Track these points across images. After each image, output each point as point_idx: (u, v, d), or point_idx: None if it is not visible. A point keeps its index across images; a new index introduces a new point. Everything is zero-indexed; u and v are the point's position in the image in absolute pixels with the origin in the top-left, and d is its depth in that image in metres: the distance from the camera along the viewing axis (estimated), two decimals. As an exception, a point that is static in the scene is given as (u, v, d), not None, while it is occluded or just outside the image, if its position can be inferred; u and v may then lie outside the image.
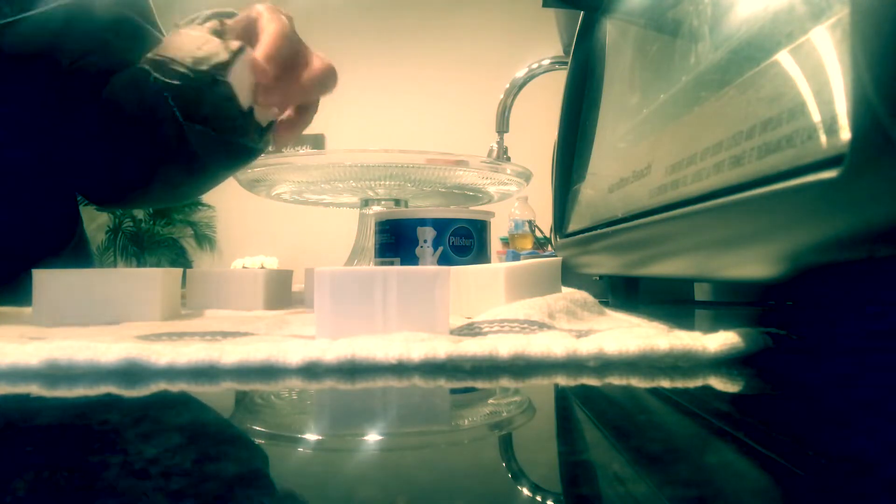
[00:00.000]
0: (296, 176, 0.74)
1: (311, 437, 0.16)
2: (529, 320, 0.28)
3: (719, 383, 0.20)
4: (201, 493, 0.11)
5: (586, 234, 0.44)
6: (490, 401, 0.19)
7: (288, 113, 0.54)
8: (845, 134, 0.17)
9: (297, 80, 0.51)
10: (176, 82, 0.48)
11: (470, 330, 0.27)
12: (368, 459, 0.14)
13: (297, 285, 0.51)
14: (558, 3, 0.58)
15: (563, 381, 0.21)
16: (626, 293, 0.50)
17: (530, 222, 1.66)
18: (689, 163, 0.27)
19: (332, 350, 0.22)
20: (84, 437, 0.15)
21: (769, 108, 0.21)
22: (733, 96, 0.24)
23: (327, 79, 0.52)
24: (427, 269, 0.26)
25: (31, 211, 0.55)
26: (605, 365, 0.22)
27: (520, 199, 1.81)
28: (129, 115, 0.53)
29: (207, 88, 0.47)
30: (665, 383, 0.20)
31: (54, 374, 0.21)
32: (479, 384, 0.20)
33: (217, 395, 0.19)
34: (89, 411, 0.18)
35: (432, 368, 0.22)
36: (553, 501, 0.11)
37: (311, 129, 0.58)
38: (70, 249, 0.60)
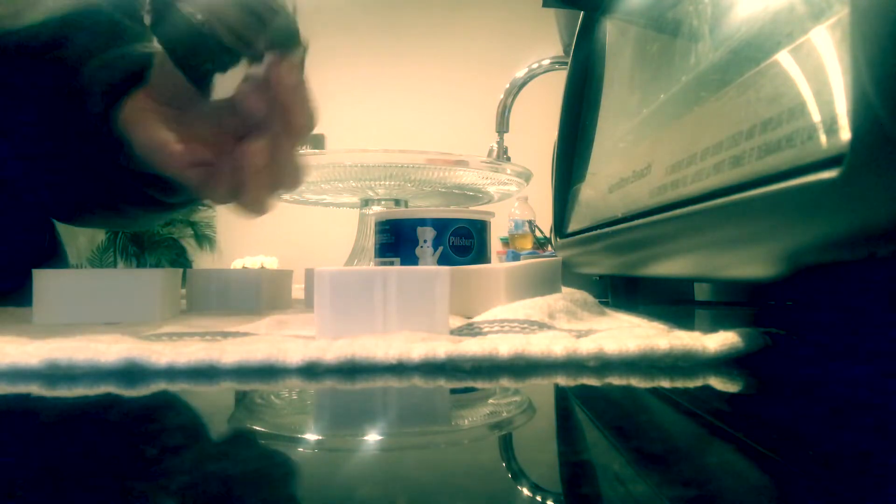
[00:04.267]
0: (296, 176, 0.73)
1: (311, 437, 0.16)
2: (529, 320, 0.28)
3: (719, 383, 0.20)
4: (201, 493, 0.11)
5: (586, 234, 0.44)
6: (490, 401, 0.19)
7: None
8: (845, 134, 0.17)
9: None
10: None
11: (470, 330, 0.27)
12: (368, 459, 0.14)
13: (297, 285, 0.51)
14: (558, 3, 0.58)
15: (563, 381, 0.21)
16: (626, 293, 0.50)
17: (530, 222, 1.66)
18: (689, 163, 0.27)
19: (332, 350, 0.22)
20: (84, 436, 0.15)
21: (769, 108, 0.21)
22: (733, 96, 0.24)
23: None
24: (427, 269, 0.26)
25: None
26: (605, 365, 0.22)
27: (520, 199, 1.80)
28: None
29: None
30: (665, 383, 0.20)
31: (54, 374, 0.21)
32: (479, 384, 0.20)
33: (217, 395, 0.19)
34: (89, 411, 0.18)
35: (432, 368, 0.22)
36: (553, 501, 0.11)
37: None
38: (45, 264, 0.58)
